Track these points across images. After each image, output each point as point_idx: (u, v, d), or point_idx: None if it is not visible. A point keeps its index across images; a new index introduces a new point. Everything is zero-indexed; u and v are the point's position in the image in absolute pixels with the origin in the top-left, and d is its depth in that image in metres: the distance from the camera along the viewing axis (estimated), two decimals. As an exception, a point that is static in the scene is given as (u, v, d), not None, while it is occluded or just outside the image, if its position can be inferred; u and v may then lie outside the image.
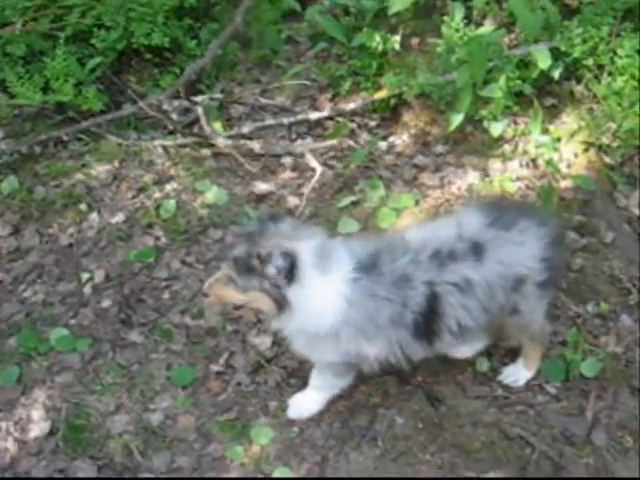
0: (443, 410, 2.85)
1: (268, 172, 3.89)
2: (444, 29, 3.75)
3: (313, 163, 3.79)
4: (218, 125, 4.10)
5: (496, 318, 2.64)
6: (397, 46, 3.99)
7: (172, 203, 3.73)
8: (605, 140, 3.61)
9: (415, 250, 2.45)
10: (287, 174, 3.87)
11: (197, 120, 4.13)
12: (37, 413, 3.03)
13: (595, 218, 3.40)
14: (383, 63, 4.04)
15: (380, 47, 3.96)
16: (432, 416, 2.83)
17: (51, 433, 2.96)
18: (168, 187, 3.86)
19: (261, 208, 3.69)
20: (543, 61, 3.58)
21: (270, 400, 2.98)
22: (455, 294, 2.44)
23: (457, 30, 3.69)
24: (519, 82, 3.60)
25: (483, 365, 2.95)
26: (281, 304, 2.39)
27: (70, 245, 3.67)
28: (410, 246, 2.47)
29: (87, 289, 3.47)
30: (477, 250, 2.44)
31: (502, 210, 2.61)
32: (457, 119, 3.62)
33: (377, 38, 3.93)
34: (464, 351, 2.88)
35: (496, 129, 3.65)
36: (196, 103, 4.14)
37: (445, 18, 3.79)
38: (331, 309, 2.40)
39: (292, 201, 3.72)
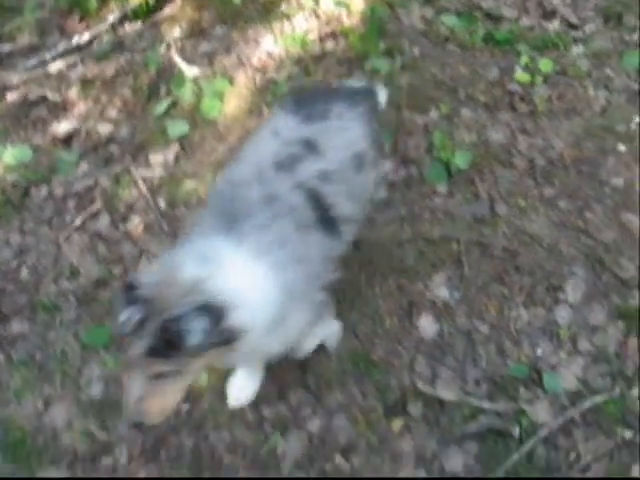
0: (364, 249, 2.91)
1: (60, 111, 3.50)
2: None
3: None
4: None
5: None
6: None
7: (-26, 181, 3.23)
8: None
9: (254, 174, 2.18)
10: (82, 106, 3.51)
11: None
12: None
13: (397, 40, 3.58)
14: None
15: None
16: (359, 255, 2.89)
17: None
18: (-44, 168, 3.32)
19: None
20: None
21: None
22: (324, 185, 2.23)
23: None
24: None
25: (381, 195, 3.05)
26: (229, 341, 1.91)
27: None
28: (245, 175, 2.19)
29: None
30: (310, 146, 2.26)
31: (309, 102, 2.43)
32: (237, -9, 3.54)
33: None
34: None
35: (278, -13, 3.64)
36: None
37: None
38: (263, 286, 2.00)
39: (103, 129, 3.41)
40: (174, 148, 3.27)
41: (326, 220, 2.24)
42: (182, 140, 3.31)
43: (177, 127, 3.33)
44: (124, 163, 3.27)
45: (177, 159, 3.26)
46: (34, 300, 2.91)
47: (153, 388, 1.89)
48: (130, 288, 1.87)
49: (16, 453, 2.56)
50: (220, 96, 3.41)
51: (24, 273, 3.00)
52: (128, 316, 1.82)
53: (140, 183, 3.17)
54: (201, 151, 3.25)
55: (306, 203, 2.18)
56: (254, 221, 2.06)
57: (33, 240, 3.08)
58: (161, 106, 3.41)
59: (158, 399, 1.91)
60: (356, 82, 2.88)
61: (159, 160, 3.24)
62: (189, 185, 3.14)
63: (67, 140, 3.39)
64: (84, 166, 3.30)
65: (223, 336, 1.87)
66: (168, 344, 1.80)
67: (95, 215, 3.12)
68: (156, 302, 1.82)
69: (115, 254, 3.00)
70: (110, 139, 3.37)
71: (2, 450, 2.57)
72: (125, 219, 3.09)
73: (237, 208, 2.09)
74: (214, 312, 1.83)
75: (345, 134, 2.36)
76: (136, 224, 3.05)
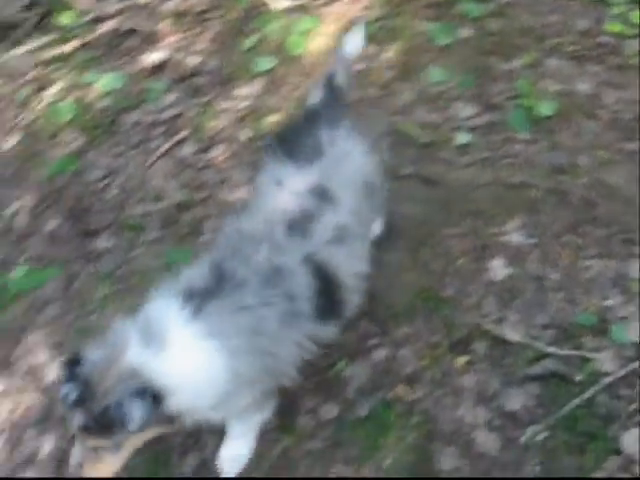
0: (442, 189, 2.95)
1: (152, 42, 3.61)
2: None
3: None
4: (69, 15, 3.71)
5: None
6: None
7: (69, 103, 3.38)
8: None
9: (266, 235, 2.04)
10: (172, 38, 3.62)
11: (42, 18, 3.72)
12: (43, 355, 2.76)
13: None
14: None
15: None
16: (437, 195, 2.92)
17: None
18: (52, 91, 3.49)
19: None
20: None
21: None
22: (337, 249, 2.10)
23: None
24: None
25: (462, 138, 3.06)
26: (170, 420, 1.93)
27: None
28: (257, 234, 2.05)
29: (22, 220, 3.11)
30: (321, 194, 2.10)
31: (296, 141, 2.23)
32: None
33: None
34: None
35: None
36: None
37: None
38: (206, 369, 1.92)
39: (192, 60, 3.51)
40: (259, 82, 3.35)
41: (330, 305, 2.11)
42: (267, 75, 3.38)
43: (264, 62, 3.40)
44: (211, 94, 3.37)
45: (262, 93, 3.33)
46: (120, 219, 3.06)
47: (91, 457, 1.91)
48: (72, 363, 1.88)
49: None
50: (307, 33, 3.46)
51: (112, 193, 3.15)
52: (66, 392, 1.85)
53: (225, 114, 3.26)
54: (285, 86, 3.32)
55: (308, 284, 2.02)
56: (231, 300, 1.93)
57: (121, 163, 3.23)
58: (249, 41, 3.49)
59: (96, 468, 1.93)
60: (315, 96, 2.47)
61: (244, 93, 3.33)
62: (272, 118, 3.22)
63: (157, 70, 3.51)
64: (172, 95, 3.41)
65: (160, 420, 1.88)
66: (102, 427, 1.82)
67: (181, 142, 3.23)
68: (94, 383, 1.83)
69: (198, 180, 3.12)
70: (198, 71, 3.47)
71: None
72: (209, 148, 3.20)
73: (232, 267, 1.97)
74: (150, 398, 1.82)
75: (349, 160, 2.20)
76: (219, 153, 3.16)
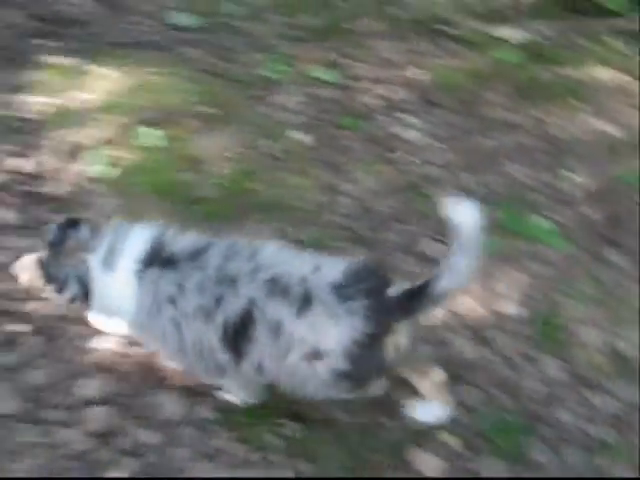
0: None
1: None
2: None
3: None
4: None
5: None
6: None
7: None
8: None
9: (258, 267, 2.19)
10: None
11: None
12: (515, 292, 3.07)
13: None
14: None
15: None
16: None
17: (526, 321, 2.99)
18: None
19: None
20: None
21: None
22: (266, 330, 2.16)
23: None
24: None
25: None
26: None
27: (555, 136, 3.71)
28: (258, 261, 2.21)
29: (569, 188, 3.51)
30: (306, 301, 2.13)
31: (356, 278, 2.17)
32: None
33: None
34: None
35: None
36: None
37: None
38: (127, 298, 2.26)
39: None
40: None
41: (232, 342, 2.21)
42: None
43: None
44: None
45: None
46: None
47: (25, 268, 2.38)
48: (71, 222, 2.30)
49: (545, 330, 2.97)
50: None
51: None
52: (51, 229, 2.28)
53: None
54: None
55: (234, 311, 2.17)
56: (179, 275, 2.20)
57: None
58: None
59: (28, 282, 2.40)
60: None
61: None
62: None
63: None
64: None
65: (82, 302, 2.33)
66: (47, 278, 2.30)
67: None
68: (65, 248, 2.28)
69: None
70: None
71: (542, 322, 2.99)
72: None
73: (210, 250, 2.23)
74: (86, 289, 2.27)
75: (327, 327, 2.13)
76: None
